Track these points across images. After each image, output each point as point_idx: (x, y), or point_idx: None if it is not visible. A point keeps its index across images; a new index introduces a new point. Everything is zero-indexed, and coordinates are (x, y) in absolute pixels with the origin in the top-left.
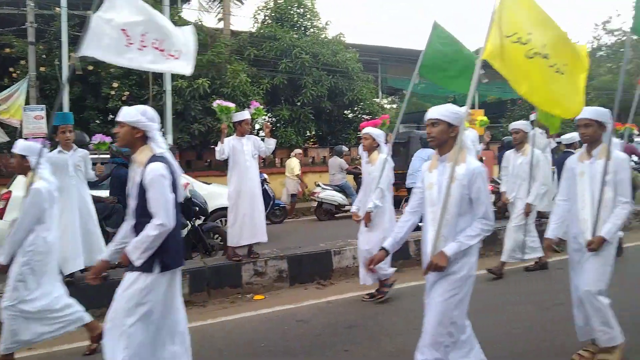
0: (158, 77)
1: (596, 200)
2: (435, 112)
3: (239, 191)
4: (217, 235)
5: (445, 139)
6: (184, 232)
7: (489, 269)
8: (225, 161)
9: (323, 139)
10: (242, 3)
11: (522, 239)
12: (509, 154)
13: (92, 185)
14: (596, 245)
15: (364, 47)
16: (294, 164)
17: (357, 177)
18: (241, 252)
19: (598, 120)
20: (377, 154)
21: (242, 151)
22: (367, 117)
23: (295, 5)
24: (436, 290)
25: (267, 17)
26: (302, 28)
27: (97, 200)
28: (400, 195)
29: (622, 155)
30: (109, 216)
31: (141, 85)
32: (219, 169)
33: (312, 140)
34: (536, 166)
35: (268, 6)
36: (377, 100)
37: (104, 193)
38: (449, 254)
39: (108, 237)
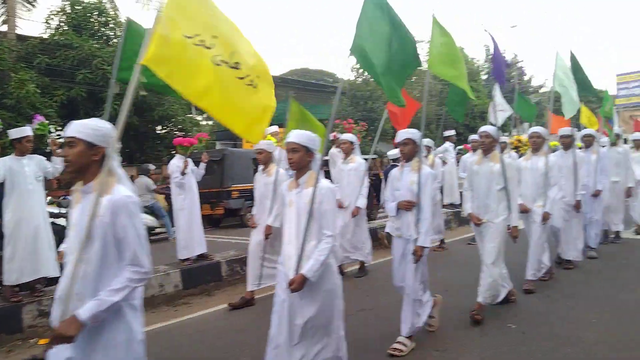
0: None
1: (302, 233)
2: (72, 129)
3: (19, 219)
4: None
5: (85, 163)
6: None
7: (232, 304)
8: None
9: (131, 156)
10: (34, 6)
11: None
12: (257, 175)
13: None
14: (297, 285)
15: None
16: None
17: (168, 197)
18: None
19: (306, 145)
20: None
21: (22, 173)
22: (180, 133)
23: (96, 12)
24: None
25: (62, 23)
26: (104, 37)
27: None
28: (217, 213)
29: (327, 185)
30: None
31: None
32: None
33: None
34: (280, 185)
35: (64, 11)
36: (191, 116)
37: None
38: (82, 318)
39: None
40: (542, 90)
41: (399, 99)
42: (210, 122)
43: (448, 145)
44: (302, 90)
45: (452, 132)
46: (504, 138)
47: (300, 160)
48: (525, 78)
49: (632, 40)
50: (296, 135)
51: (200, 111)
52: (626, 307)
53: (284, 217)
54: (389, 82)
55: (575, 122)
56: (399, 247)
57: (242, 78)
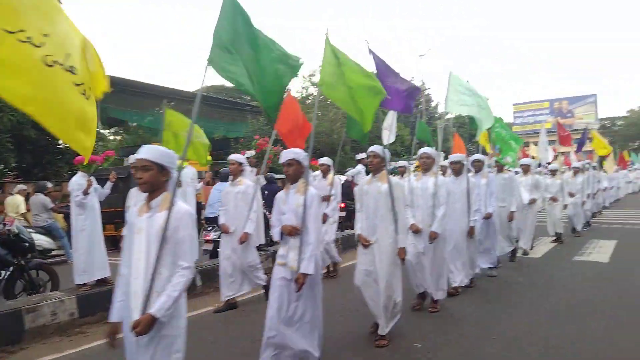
0: None
1: (152, 265)
2: None
3: None
4: (43, 273)
5: None
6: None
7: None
8: None
9: (28, 172)
10: None
11: None
12: (132, 190)
13: None
14: (143, 327)
15: None
16: (18, 201)
17: (68, 217)
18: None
19: (160, 163)
20: None
21: None
22: None
23: None
24: None
25: None
26: None
27: None
28: (121, 234)
29: (184, 208)
30: None
31: None
32: None
33: (12, 173)
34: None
35: None
36: (97, 130)
37: None
38: None
39: None
40: (448, 116)
41: (272, 110)
42: (117, 137)
43: (360, 167)
44: (217, 108)
45: (363, 155)
46: (404, 162)
47: (153, 180)
48: (432, 104)
49: (528, 73)
50: (147, 151)
51: (108, 125)
52: (525, 322)
53: (131, 247)
54: (262, 93)
55: (477, 144)
56: (283, 275)
57: (78, 85)
